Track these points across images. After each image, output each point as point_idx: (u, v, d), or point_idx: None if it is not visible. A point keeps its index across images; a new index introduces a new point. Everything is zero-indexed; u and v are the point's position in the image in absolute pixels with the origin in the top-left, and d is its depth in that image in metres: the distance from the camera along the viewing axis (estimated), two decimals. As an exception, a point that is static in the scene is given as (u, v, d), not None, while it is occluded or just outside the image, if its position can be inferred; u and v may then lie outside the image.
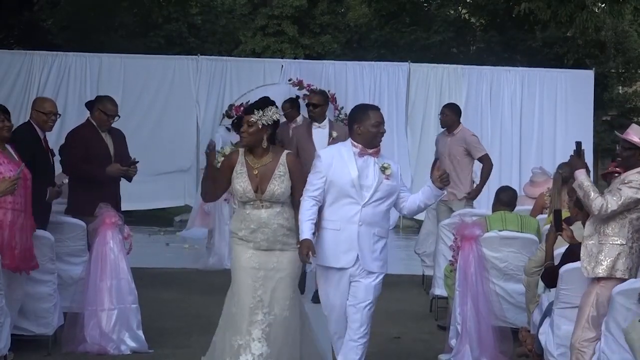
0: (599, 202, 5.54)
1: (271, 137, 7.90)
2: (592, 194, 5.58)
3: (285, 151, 5.63)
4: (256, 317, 5.31)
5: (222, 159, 7.70)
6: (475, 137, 9.62)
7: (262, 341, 5.28)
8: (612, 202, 5.56)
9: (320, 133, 8.75)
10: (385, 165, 5.35)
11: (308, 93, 12.68)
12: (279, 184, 5.43)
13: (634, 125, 6.15)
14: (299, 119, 10.24)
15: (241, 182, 5.43)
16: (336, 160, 5.39)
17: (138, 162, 7.80)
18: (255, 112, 5.44)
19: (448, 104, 10.14)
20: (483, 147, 9.59)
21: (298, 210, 5.43)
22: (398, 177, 5.47)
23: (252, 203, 5.42)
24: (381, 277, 5.45)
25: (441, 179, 5.32)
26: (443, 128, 9.66)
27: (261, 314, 5.32)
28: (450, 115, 9.57)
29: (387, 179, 5.35)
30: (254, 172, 5.46)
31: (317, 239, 5.41)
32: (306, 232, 5.28)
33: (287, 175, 5.49)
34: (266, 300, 5.35)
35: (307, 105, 9.04)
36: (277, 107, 5.65)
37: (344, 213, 5.35)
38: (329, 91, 12.81)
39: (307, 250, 5.22)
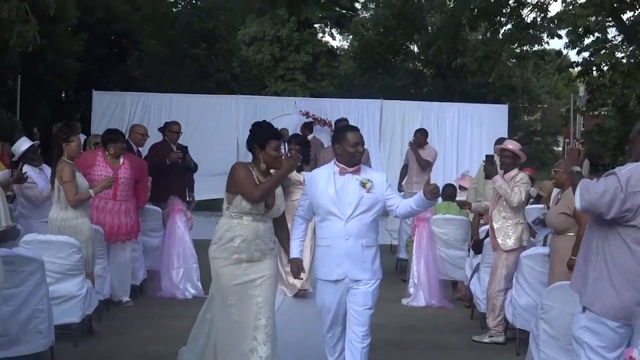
0: (517, 197, 5.61)
1: (305, 155, 7.12)
2: (511, 192, 5.62)
3: (271, 171, 4.34)
4: (260, 322, 4.15)
5: None
6: (434, 151, 9.46)
7: (267, 344, 4.13)
8: (522, 196, 5.63)
9: None
10: (364, 180, 4.17)
11: (312, 121, 12.73)
12: (281, 202, 4.35)
13: (507, 140, 6.27)
14: (311, 137, 10.31)
15: None
16: (318, 182, 4.25)
17: (182, 155, 7.69)
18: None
19: (421, 128, 9.66)
20: (432, 159, 9.37)
21: (278, 224, 4.43)
22: (383, 188, 4.24)
23: (252, 216, 4.20)
24: (376, 283, 4.25)
25: (432, 193, 4.07)
26: (417, 144, 9.11)
27: (263, 318, 4.16)
28: (423, 136, 9.32)
29: (369, 192, 4.16)
30: None
31: (314, 255, 4.40)
32: (295, 250, 4.36)
33: (282, 193, 4.43)
34: (265, 305, 4.20)
35: (339, 134, 7.72)
36: None
37: (331, 230, 4.20)
38: (326, 119, 12.95)
39: (296, 268, 4.35)
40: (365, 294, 4.19)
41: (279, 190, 4.34)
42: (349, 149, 4.21)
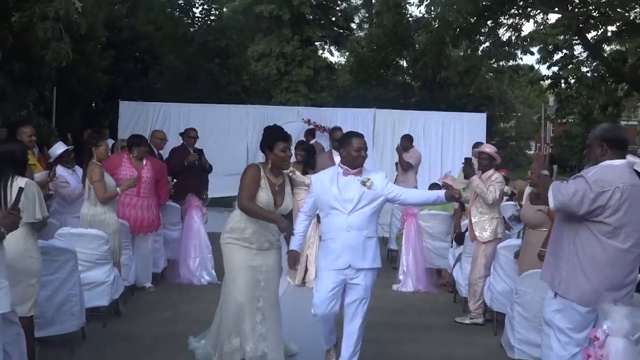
0: (492, 195, 5.61)
1: (311, 160, 7.02)
2: (486, 190, 5.62)
3: (285, 171, 4.27)
4: (259, 304, 4.11)
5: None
6: (419, 154, 9.47)
7: (261, 323, 4.09)
8: (496, 194, 5.63)
9: (339, 158, 7.03)
10: (364, 180, 4.09)
11: (314, 128, 12.70)
12: (290, 201, 4.27)
13: (484, 144, 6.27)
14: (313, 141, 10.27)
15: (266, 195, 4.13)
16: (323, 182, 4.16)
17: (198, 157, 7.69)
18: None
19: (406, 134, 9.77)
20: (415, 161, 9.37)
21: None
22: (383, 184, 4.15)
23: None
24: (374, 274, 4.16)
25: (453, 197, 4.14)
26: (403, 148, 9.22)
27: (262, 301, 4.12)
28: (408, 141, 9.38)
29: (369, 189, 4.07)
30: (276, 188, 4.19)
31: (319, 248, 4.27)
32: (295, 244, 4.24)
33: (290, 192, 4.33)
34: (265, 291, 4.15)
35: (335, 140, 7.27)
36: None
37: (335, 223, 4.09)
38: (326, 126, 12.90)
39: (293, 260, 4.23)
40: (361, 288, 4.09)
41: (288, 190, 4.25)
42: (353, 153, 4.14)
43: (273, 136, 4.21)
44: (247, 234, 4.12)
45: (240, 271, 4.09)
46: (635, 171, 5.49)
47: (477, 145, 7.82)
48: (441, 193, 4.20)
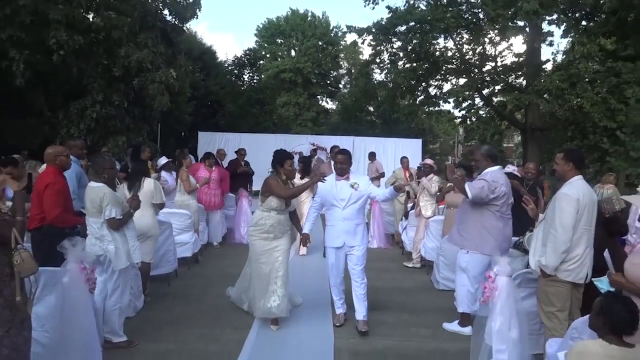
0: (434, 189, 5.75)
1: (306, 169, 6.49)
2: (430, 187, 5.65)
3: (289, 181, 3.78)
4: (279, 273, 3.67)
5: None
6: (380, 164, 9.45)
7: (283, 287, 3.68)
8: (436, 188, 5.66)
9: None
10: (352, 183, 3.73)
11: (317, 148, 12.57)
12: (295, 201, 3.88)
13: (427, 158, 6.28)
14: (316, 157, 10.20)
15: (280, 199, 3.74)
16: (326, 186, 3.76)
17: (246, 166, 7.71)
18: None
19: (371, 152, 9.70)
20: (380, 168, 9.33)
21: (291, 214, 3.88)
22: (367, 186, 3.78)
23: (277, 211, 3.70)
24: (365, 247, 3.78)
25: (398, 188, 3.67)
26: (370, 160, 9.17)
27: (281, 270, 3.67)
28: (372, 156, 9.40)
29: (356, 190, 3.71)
30: None
31: (325, 231, 3.84)
32: (306, 228, 3.85)
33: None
34: (282, 263, 3.69)
35: (334, 156, 7.16)
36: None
37: (334, 215, 3.74)
38: (324, 147, 12.79)
39: (305, 240, 3.83)
40: (357, 257, 3.76)
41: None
42: (338, 165, 3.81)
43: (283, 157, 3.85)
44: (267, 228, 3.70)
45: (261, 253, 3.72)
46: (512, 173, 5.49)
47: (402, 159, 7.76)
48: (391, 188, 3.93)
